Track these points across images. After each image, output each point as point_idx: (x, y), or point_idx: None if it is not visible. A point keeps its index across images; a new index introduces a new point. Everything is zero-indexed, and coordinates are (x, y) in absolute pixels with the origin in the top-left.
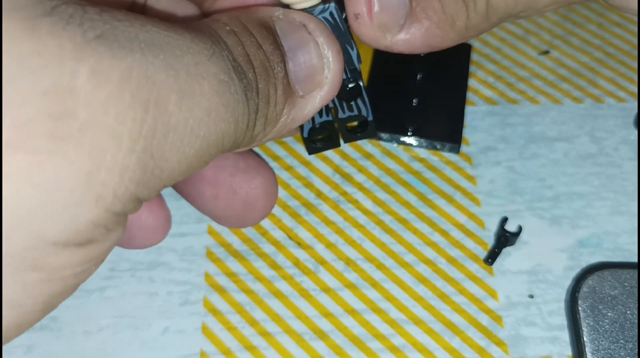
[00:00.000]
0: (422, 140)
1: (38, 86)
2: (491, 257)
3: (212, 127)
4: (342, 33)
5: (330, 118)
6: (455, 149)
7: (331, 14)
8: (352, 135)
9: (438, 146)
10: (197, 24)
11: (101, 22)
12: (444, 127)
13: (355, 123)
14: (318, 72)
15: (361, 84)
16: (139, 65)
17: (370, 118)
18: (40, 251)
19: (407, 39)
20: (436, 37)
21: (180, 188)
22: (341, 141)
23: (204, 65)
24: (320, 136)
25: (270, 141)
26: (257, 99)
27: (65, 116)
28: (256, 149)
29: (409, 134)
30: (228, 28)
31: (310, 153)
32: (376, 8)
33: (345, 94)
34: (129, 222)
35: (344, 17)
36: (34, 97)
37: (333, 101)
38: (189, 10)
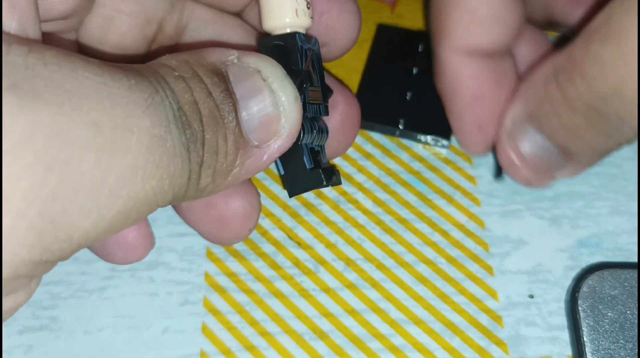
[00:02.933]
0: (413, 134)
1: None
2: (499, 170)
3: (139, 186)
4: (319, 69)
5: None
6: (446, 146)
7: (318, 49)
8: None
9: (429, 141)
10: (144, 67)
11: (22, 66)
12: (436, 122)
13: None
14: (273, 121)
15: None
16: (50, 120)
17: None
18: None
19: (571, 172)
20: (595, 162)
21: None
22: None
23: (135, 118)
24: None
25: None
26: (202, 151)
27: None
28: None
29: (400, 127)
30: (177, 73)
31: (290, 194)
32: (522, 161)
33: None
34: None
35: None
36: None
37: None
38: (237, 33)
